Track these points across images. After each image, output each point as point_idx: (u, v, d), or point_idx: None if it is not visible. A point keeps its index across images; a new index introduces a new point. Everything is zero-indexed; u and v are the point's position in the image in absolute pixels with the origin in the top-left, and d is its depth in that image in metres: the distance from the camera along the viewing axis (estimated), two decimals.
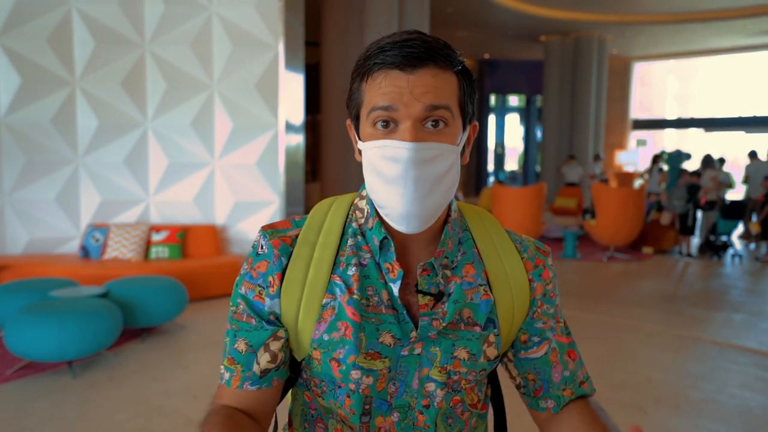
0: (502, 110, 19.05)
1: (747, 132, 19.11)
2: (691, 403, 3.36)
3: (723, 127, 19.53)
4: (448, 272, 0.85)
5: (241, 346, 0.83)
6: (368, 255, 0.84)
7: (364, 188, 0.87)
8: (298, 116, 6.41)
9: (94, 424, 2.94)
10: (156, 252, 5.54)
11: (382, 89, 0.76)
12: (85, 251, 5.52)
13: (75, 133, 5.74)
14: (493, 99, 18.47)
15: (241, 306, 0.84)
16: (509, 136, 19.42)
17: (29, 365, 3.64)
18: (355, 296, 0.81)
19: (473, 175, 18.41)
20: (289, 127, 6.12)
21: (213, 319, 4.79)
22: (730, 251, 8.89)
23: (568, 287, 6.66)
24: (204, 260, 5.52)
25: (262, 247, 0.85)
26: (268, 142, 5.95)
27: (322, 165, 9.28)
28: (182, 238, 5.66)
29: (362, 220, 0.87)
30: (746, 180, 10.05)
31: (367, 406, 0.84)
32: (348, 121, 0.86)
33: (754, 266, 8.23)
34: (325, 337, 0.81)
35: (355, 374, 0.81)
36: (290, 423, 0.95)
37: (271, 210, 6.02)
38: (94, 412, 3.07)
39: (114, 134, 5.82)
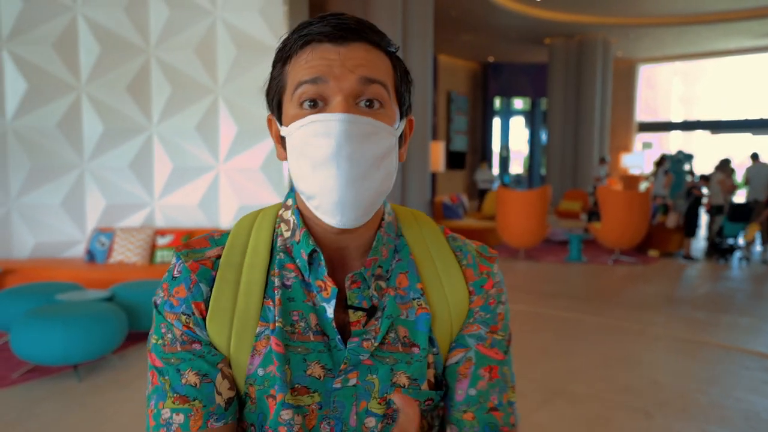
0: (507, 113, 19.05)
1: (754, 134, 19.02)
2: (698, 407, 3.34)
3: (729, 129, 19.45)
4: (383, 283, 0.74)
5: (191, 378, 0.68)
6: (293, 274, 0.73)
7: (290, 197, 0.78)
8: None
9: (99, 427, 2.95)
10: (161, 256, 5.56)
11: (309, 62, 0.67)
12: (90, 255, 5.55)
13: (81, 138, 5.78)
14: (497, 102, 18.47)
15: (169, 335, 0.70)
16: (514, 139, 19.40)
17: (35, 369, 3.66)
18: (278, 323, 0.69)
19: None
20: None
21: None
22: (737, 254, 8.84)
23: (573, 290, 6.64)
24: None
25: (177, 271, 0.72)
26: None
27: None
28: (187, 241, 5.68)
29: (288, 234, 0.75)
30: (746, 182, 9.99)
31: None
32: (268, 116, 0.76)
33: (761, 269, 8.18)
34: (260, 372, 0.69)
35: (285, 415, 0.69)
36: None
37: None
38: (99, 415, 3.08)
39: (119, 139, 5.85)
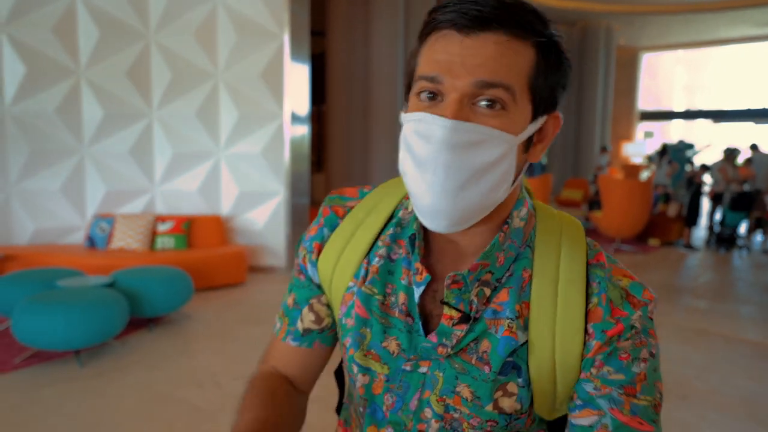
0: None
1: (756, 123, 18.95)
2: (697, 394, 3.35)
3: (731, 118, 19.37)
4: (487, 291, 0.69)
5: (290, 300, 0.83)
6: (401, 251, 0.74)
7: None
8: (304, 106, 6.40)
9: (101, 412, 2.96)
10: (161, 242, 5.56)
11: (433, 55, 0.63)
12: (90, 241, 5.54)
13: (80, 123, 5.75)
14: None
15: (297, 261, 0.84)
16: None
17: (37, 354, 3.67)
18: (365, 288, 0.74)
19: None
20: (295, 118, 6.10)
21: (218, 309, 4.81)
22: (738, 243, 8.85)
23: None
24: (209, 250, 5.53)
25: (320, 212, 0.82)
26: (274, 133, 5.94)
27: (328, 156, 9.26)
28: (188, 228, 5.67)
29: (410, 208, 0.75)
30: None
31: (362, 408, 0.77)
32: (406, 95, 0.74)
33: (762, 259, 8.18)
34: (343, 321, 0.77)
35: (354, 368, 0.75)
36: None
37: (276, 200, 6.02)
38: (100, 400, 3.09)
39: (119, 124, 5.82)
